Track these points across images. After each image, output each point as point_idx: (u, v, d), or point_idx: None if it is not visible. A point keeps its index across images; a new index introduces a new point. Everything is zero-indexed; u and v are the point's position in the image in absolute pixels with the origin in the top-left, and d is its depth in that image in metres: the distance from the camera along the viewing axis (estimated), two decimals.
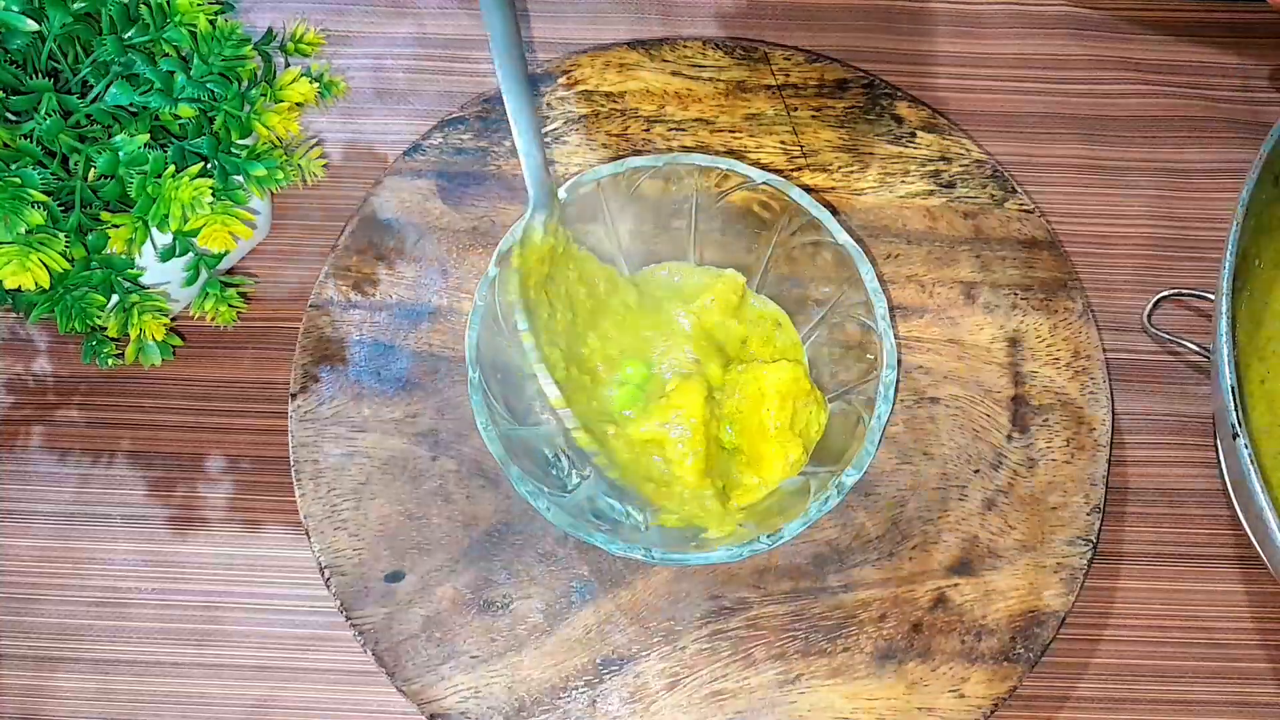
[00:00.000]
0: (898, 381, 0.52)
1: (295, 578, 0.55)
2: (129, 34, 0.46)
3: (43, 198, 0.44)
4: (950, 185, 0.58)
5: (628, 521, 0.51)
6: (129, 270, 0.48)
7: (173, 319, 0.55)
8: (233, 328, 0.57)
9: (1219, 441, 0.53)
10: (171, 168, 0.45)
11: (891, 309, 0.56)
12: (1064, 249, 0.58)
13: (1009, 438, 0.55)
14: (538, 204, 0.49)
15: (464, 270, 0.57)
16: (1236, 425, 0.45)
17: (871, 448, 0.50)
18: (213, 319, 0.52)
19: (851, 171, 0.59)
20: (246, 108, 0.48)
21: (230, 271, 0.58)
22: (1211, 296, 0.56)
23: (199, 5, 0.46)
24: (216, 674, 0.53)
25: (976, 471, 0.54)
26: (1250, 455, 0.45)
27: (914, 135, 0.59)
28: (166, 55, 0.46)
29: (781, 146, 0.59)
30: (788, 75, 0.60)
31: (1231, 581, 0.55)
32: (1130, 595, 0.55)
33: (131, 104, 0.46)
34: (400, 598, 0.52)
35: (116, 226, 0.46)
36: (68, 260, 0.45)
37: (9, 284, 0.43)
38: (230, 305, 0.52)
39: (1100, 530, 0.53)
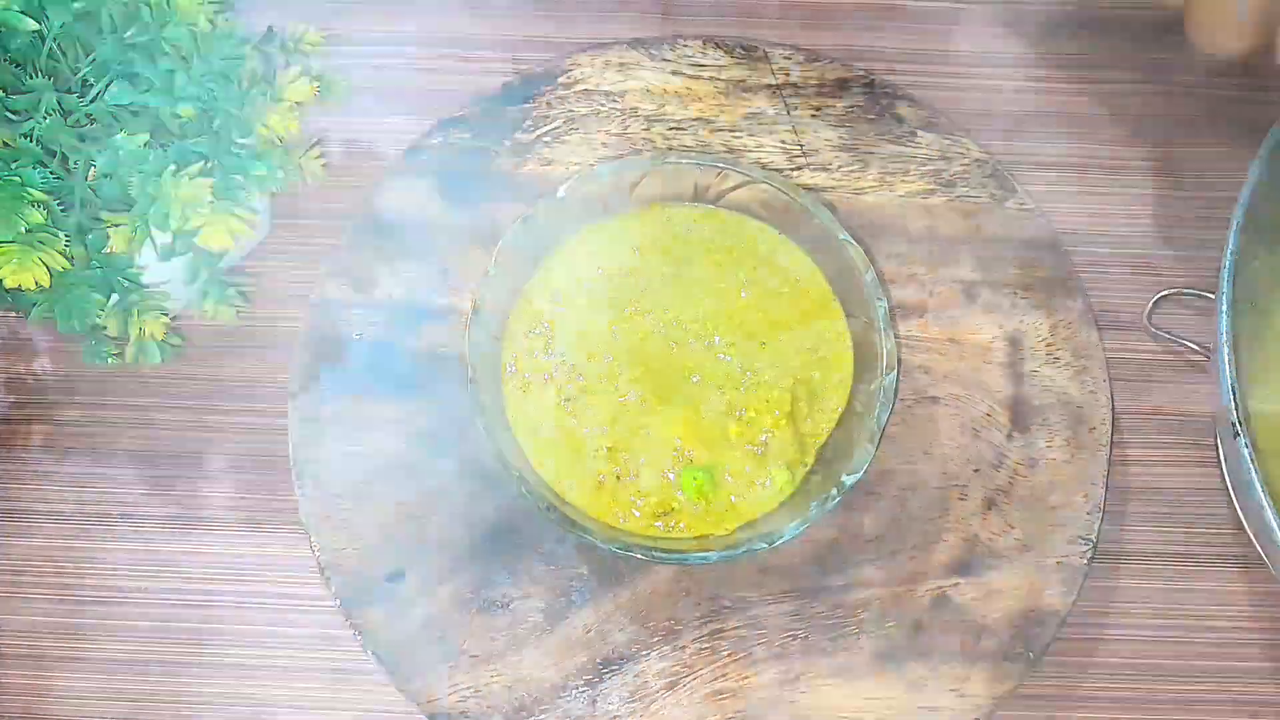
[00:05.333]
0: (898, 381, 0.52)
1: (295, 577, 0.55)
2: (129, 33, 0.46)
3: (43, 197, 0.43)
4: (950, 184, 0.58)
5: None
6: (129, 269, 0.48)
7: (173, 318, 0.55)
8: (233, 327, 0.57)
9: (1219, 441, 0.53)
10: (172, 167, 0.45)
11: (891, 308, 0.56)
12: (1064, 248, 0.58)
13: (1009, 437, 0.55)
14: None
15: (464, 270, 0.57)
16: (1237, 424, 0.45)
17: (871, 448, 0.50)
18: (213, 318, 0.52)
19: (852, 171, 0.59)
20: (247, 107, 0.48)
21: (231, 271, 0.58)
22: (1211, 295, 0.56)
23: (199, 4, 0.46)
24: (216, 673, 0.53)
25: (976, 471, 0.54)
26: (1250, 455, 0.45)
27: (914, 134, 0.59)
28: (167, 54, 0.46)
29: (781, 146, 0.59)
30: (788, 74, 0.60)
31: (1231, 581, 0.55)
32: (1130, 594, 0.55)
33: (131, 103, 0.46)
34: (400, 597, 0.52)
35: (117, 226, 0.46)
36: (68, 259, 0.45)
37: (9, 283, 0.43)
38: (230, 305, 0.52)
39: (1100, 529, 0.53)
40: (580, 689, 0.51)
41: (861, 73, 0.60)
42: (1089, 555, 0.53)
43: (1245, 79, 0.62)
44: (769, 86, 0.60)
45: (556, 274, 0.54)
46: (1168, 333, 0.56)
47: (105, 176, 0.46)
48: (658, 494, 0.51)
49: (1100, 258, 0.59)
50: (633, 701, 0.51)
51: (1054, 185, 0.60)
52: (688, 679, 0.52)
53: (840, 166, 0.59)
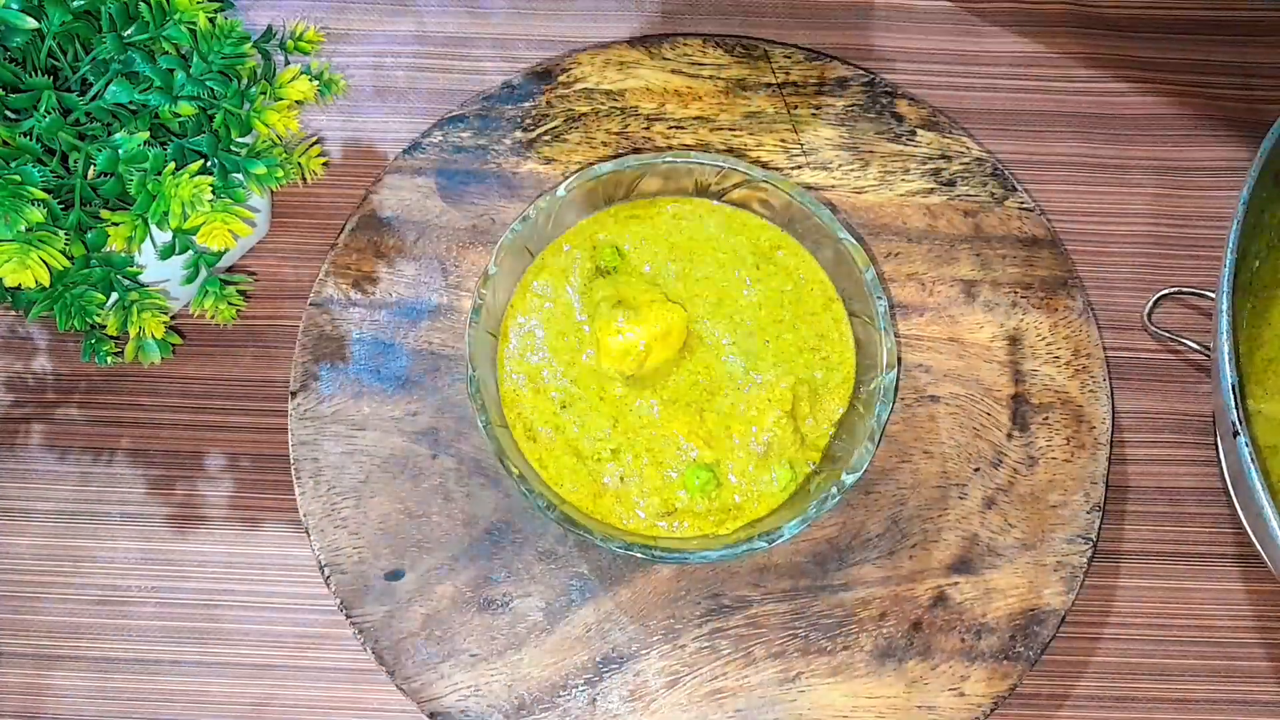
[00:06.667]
0: (898, 380, 0.52)
1: (295, 576, 0.55)
2: (129, 31, 0.46)
3: (42, 195, 0.43)
4: (950, 183, 0.58)
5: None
6: (128, 268, 0.48)
7: (172, 317, 0.55)
8: (232, 326, 0.57)
9: (1219, 440, 0.53)
10: (171, 165, 0.45)
11: (891, 307, 0.56)
12: (1064, 247, 0.58)
13: (1009, 436, 0.55)
14: None
15: (464, 268, 0.57)
16: (1236, 424, 0.45)
17: (871, 447, 0.50)
18: (212, 317, 0.52)
19: (852, 169, 0.59)
20: (246, 105, 0.48)
21: (230, 269, 0.58)
22: (1212, 295, 0.56)
23: (199, 3, 0.46)
24: (216, 672, 0.53)
25: (976, 470, 0.54)
26: (1250, 454, 0.45)
27: (914, 133, 0.59)
28: (166, 53, 0.46)
29: (781, 144, 0.59)
30: (788, 73, 0.60)
31: (1231, 580, 0.55)
32: (1130, 593, 0.55)
33: (131, 102, 0.46)
34: (400, 596, 0.52)
35: (116, 224, 0.46)
36: (67, 258, 0.45)
37: (9, 282, 0.43)
38: (230, 303, 0.52)
39: (1100, 529, 0.53)
40: (580, 688, 0.51)
41: (861, 72, 0.60)
42: (1089, 555, 0.53)
43: (1245, 79, 0.62)
44: (769, 85, 0.60)
45: (556, 273, 0.54)
46: (1168, 333, 0.56)
47: (105, 175, 0.46)
48: (661, 494, 0.51)
49: (1100, 256, 0.59)
50: (633, 700, 0.51)
51: (1054, 183, 0.60)
52: (687, 678, 0.52)
53: (840, 165, 0.59)
